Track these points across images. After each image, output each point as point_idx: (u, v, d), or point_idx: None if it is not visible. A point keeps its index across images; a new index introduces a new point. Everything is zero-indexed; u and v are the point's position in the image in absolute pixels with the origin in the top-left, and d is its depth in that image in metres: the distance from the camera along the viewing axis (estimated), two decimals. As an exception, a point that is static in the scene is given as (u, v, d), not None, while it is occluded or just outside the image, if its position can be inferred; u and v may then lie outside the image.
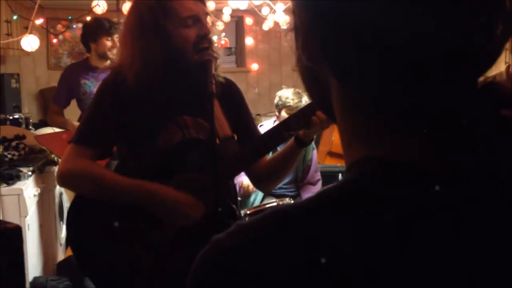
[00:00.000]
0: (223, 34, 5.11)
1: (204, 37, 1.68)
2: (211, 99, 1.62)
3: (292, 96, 3.57)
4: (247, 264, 0.50)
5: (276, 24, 5.37)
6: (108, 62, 3.68)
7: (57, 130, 4.12)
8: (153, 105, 1.69)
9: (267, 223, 0.53)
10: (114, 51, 3.62)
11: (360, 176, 0.53)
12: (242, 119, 1.89)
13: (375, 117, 0.53)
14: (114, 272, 1.74)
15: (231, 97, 1.85)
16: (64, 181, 1.73)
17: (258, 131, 1.93)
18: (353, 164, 0.55)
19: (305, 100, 3.59)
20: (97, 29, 3.62)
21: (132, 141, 1.74)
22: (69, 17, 4.91)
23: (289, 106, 3.54)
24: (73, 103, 3.79)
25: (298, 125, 1.70)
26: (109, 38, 3.59)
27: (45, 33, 4.96)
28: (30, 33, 3.66)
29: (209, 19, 1.74)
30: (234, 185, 1.93)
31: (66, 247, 4.47)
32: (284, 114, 3.63)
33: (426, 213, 0.49)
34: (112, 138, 1.74)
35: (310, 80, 0.60)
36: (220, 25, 4.99)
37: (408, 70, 0.49)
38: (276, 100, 3.68)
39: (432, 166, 0.50)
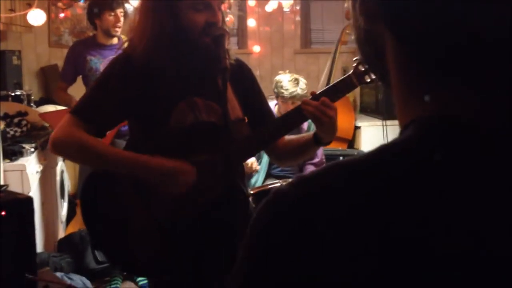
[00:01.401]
0: (228, 10, 5.08)
1: (213, 25, 1.66)
2: (225, 74, 1.61)
3: (287, 84, 3.54)
4: (311, 214, 0.50)
5: (279, 5, 5.34)
6: (115, 39, 3.66)
7: (59, 108, 4.11)
8: (163, 82, 1.68)
9: (331, 175, 0.53)
10: (119, 27, 3.60)
11: (421, 134, 0.52)
12: (255, 100, 1.88)
13: (434, 74, 0.53)
14: (125, 247, 1.75)
15: (242, 77, 1.84)
16: (56, 147, 1.74)
17: (271, 112, 1.94)
18: (411, 122, 0.54)
19: (301, 87, 3.57)
20: (99, 4, 3.61)
21: (142, 119, 1.73)
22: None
23: (283, 96, 3.52)
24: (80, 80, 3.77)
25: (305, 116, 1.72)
26: (112, 13, 3.57)
27: (46, 10, 4.91)
28: (35, 7, 3.63)
29: (223, 10, 1.73)
30: (242, 164, 1.93)
31: (67, 225, 4.48)
32: (281, 103, 3.60)
33: (492, 175, 0.48)
34: (112, 120, 1.74)
35: (365, 40, 0.60)
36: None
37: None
38: (273, 86, 3.66)
39: (494, 125, 0.50)
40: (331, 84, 1.78)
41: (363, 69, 1.72)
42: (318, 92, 1.75)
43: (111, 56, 3.56)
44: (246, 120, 1.81)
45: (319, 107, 1.67)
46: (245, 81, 1.85)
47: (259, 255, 0.52)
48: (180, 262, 1.74)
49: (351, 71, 1.75)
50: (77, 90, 3.71)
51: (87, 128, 1.69)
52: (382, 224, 0.48)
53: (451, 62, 0.51)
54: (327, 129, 1.72)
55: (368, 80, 1.74)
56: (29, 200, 1.83)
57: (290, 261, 0.49)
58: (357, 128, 5.05)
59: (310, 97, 1.73)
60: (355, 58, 1.74)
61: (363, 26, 0.57)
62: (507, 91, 0.50)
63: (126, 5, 3.71)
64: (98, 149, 1.69)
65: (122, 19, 3.60)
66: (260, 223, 0.53)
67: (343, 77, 1.76)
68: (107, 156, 1.69)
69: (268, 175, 3.68)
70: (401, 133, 0.55)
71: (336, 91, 1.74)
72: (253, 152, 1.85)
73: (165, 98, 1.69)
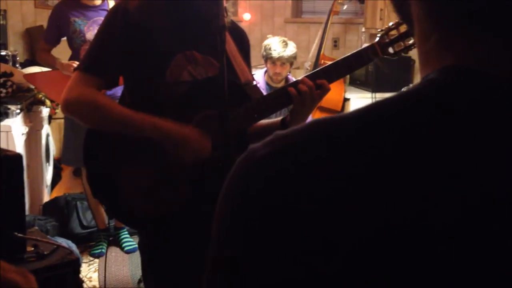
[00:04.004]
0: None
1: None
2: (222, 32, 1.58)
3: (276, 46, 3.52)
4: (282, 173, 0.45)
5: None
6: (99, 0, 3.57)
7: (44, 69, 4.02)
8: (160, 35, 1.64)
9: (309, 131, 0.48)
10: None
11: (427, 84, 0.49)
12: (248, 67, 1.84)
13: (463, 24, 0.49)
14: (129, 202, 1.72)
15: (241, 39, 1.81)
16: (68, 108, 1.69)
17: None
18: (427, 76, 0.51)
19: (290, 49, 3.54)
20: None
21: (138, 73, 1.69)
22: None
23: (272, 57, 3.50)
24: (64, 42, 3.67)
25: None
26: None
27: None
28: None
29: None
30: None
31: (52, 188, 4.44)
32: (269, 66, 3.58)
33: (498, 123, 0.45)
34: (119, 67, 1.69)
35: None
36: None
37: None
38: (262, 51, 3.62)
39: None
40: (355, 52, 1.71)
41: (387, 40, 1.68)
42: (341, 58, 1.70)
43: (95, 17, 3.48)
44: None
45: (312, 90, 1.63)
46: (243, 46, 1.81)
47: (231, 233, 0.48)
48: (178, 215, 1.71)
49: (376, 40, 1.69)
50: (62, 53, 3.63)
51: (97, 82, 1.66)
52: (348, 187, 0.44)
53: (483, 13, 0.47)
54: (303, 115, 1.68)
55: (392, 52, 1.69)
56: (18, 157, 1.78)
57: (266, 242, 0.45)
58: (346, 100, 5.03)
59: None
60: (379, 29, 1.70)
61: None
62: None
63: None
64: (115, 110, 1.65)
65: None
66: (230, 182, 0.49)
67: (367, 46, 1.70)
68: (123, 118, 1.63)
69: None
70: (419, 84, 0.51)
71: (358, 59, 1.69)
72: (267, 114, 1.79)
73: (162, 51, 1.65)
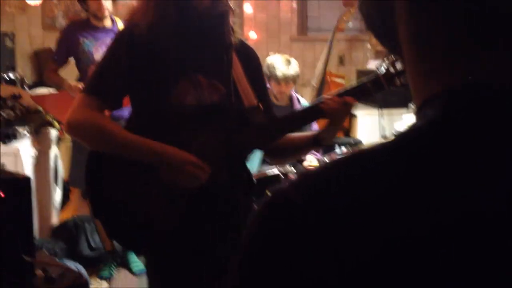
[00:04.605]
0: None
1: (219, 3, 1.61)
2: (229, 50, 1.57)
3: (279, 65, 3.49)
4: (317, 220, 0.44)
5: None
6: (108, 22, 3.60)
7: (52, 91, 4.04)
8: (165, 57, 1.65)
9: (338, 172, 0.47)
10: (104, 10, 3.50)
11: (447, 110, 0.46)
12: (260, 86, 1.82)
13: (458, 40, 0.47)
14: (132, 226, 1.72)
15: (248, 58, 1.79)
16: (71, 130, 1.70)
17: (271, 104, 1.90)
18: (430, 99, 0.49)
19: (294, 68, 3.53)
20: None
21: (144, 94, 1.69)
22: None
23: (276, 77, 3.47)
24: (72, 63, 3.70)
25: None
26: None
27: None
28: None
29: None
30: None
31: (60, 210, 4.43)
32: (273, 85, 3.55)
33: None
34: (123, 90, 1.70)
35: (372, 7, 0.54)
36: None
37: None
38: (264, 69, 3.61)
39: None
40: (358, 83, 1.71)
41: (394, 71, 1.65)
42: (343, 90, 1.70)
43: (104, 38, 3.51)
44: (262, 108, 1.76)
45: (341, 106, 1.63)
46: (251, 65, 1.80)
47: (255, 269, 0.47)
48: (181, 241, 1.70)
49: (382, 71, 1.66)
50: (70, 74, 3.65)
51: (101, 104, 1.67)
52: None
53: (482, 30, 0.46)
54: (335, 130, 1.69)
55: (399, 83, 1.65)
56: (27, 180, 1.78)
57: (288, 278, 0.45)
58: (353, 116, 5.02)
59: (333, 93, 1.69)
60: (386, 58, 1.66)
61: None
62: None
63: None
64: (115, 134, 1.66)
65: (107, 1, 3.50)
66: (256, 229, 0.48)
67: (371, 77, 1.68)
68: (123, 141, 1.64)
69: (263, 162, 3.65)
70: (420, 111, 0.50)
71: (363, 91, 1.68)
72: (264, 143, 1.78)
73: (166, 74, 1.65)
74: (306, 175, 0.49)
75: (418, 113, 0.50)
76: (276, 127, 1.73)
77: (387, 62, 1.64)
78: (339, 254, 0.43)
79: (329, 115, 1.66)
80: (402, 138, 0.48)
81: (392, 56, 1.64)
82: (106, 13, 3.53)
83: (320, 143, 1.75)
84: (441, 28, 0.48)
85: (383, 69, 1.66)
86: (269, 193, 0.49)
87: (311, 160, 3.47)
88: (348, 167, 0.47)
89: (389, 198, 0.44)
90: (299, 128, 1.77)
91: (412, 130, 0.48)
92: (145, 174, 1.68)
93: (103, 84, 1.68)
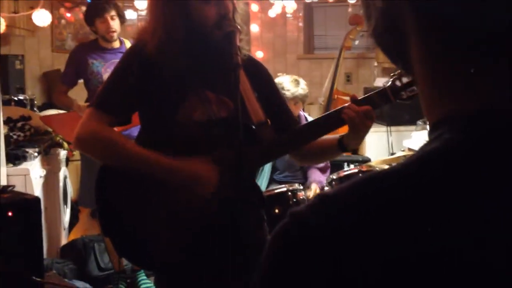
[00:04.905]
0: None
1: (225, 17, 1.64)
2: (236, 71, 1.59)
3: (288, 85, 3.51)
4: (335, 244, 0.45)
5: (283, 11, 5.32)
6: (117, 42, 3.63)
7: (61, 112, 4.07)
8: (173, 75, 1.66)
9: (358, 193, 0.47)
10: (113, 32, 3.55)
11: (466, 134, 0.46)
12: (274, 98, 1.85)
13: (467, 63, 0.47)
14: (141, 243, 1.72)
15: (258, 76, 1.81)
16: (80, 144, 1.72)
17: (291, 112, 1.92)
18: (443, 120, 0.49)
19: (302, 87, 3.54)
20: (89, 12, 3.61)
21: (152, 111, 1.71)
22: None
23: (286, 97, 3.48)
24: (80, 84, 3.73)
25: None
26: (102, 20, 3.53)
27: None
28: (41, 7, 3.60)
29: (237, 7, 1.71)
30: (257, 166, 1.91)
31: (69, 230, 4.43)
32: None
33: None
34: (131, 106, 1.72)
35: (384, 29, 0.53)
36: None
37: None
38: None
39: None
40: (366, 95, 1.72)
41: (399, 84, 1.67)
42: (361, 98, 1.71)
43: (113, 59, 3.54)
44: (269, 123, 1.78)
45: (360, 114, 1.64)
46: (261, 80, 1.82)
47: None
48: (191, 257, 1.70)
49: (388, 84, 1.68)
50: (79, 94, 3.68)
51: (109, 119, 1.68)
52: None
53: (496, 44, 0.46)
54: (358, 137, 1.70)
55: (405, 97, 1.67)
56: (37, 200, 1.79)
57: None
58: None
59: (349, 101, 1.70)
60: (392, 74, 1.68)
61: (380, 5, 0.51)
62: None
63: (129, 11, 3.68)
64: (124, 146, 1.67)
65: (115, 22, 3.55)
66: (274, 251, 0.49)
67: (378, 90, 1.70)
68: (133, 154, 1.66)
69: (271, 180, 3.64)
70: (434, 131, 0.49)
71: (370, 103, 1.69)
72: (281, 154, 1.81)
73: (175, 91, 1.68)
74: (323, 198, 0.49)
75: (432, 133, 0.49)
76: (298, 137, 1.75)
77: (393, 77, 1.66)
78: (358, 277, 0.43)
79: (350, 123, 1.67)
80: (420, 160, 0.47)
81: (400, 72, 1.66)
82: (115, 35, 3.57)
83: (345, 149, 1.76)
84: (452, 50, 0.48)
85: (389, 83, 1.68)
86: (287, 216, 0.49)
87: (316, 189, 3.45)
88: (367, 190, 0.47)
89: (412, 222, 0.44)
90: (321, 136, 1.77)
91: (430, 152, 0.47)
92: (155, 191, 1.69)
93: (111, 99, 1.70)
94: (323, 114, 1.77)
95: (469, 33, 0.46)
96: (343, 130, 1.74)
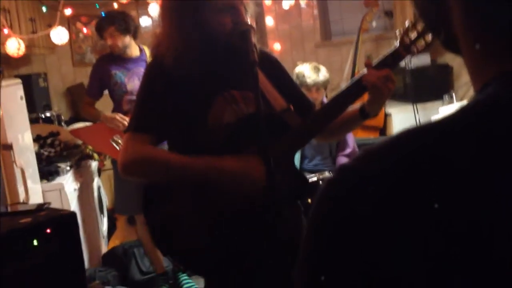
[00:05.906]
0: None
1: (239, 21, 1.66)
2: (254, 68, 1.60)
3: (309, 73, 3.49)
4: (382, 192, 0.45)
5: (296, 1, 5.29)
6: (137, 51, 3.67)
7: (88, 124, 4.14)
8: (195, 83, 1.68)
9: (402, 146, 0.47)
10: (118, 47, 3.57)
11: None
12: (289, 86, 1.88)
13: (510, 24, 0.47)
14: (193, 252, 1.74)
15: (272, 69, 1.84)
16: (128, 170, 1.70)
17: (306, 96, 1.94)
18: (492, 80, 0.49)
19: (323, 74, 3.52)
20: (96, 29, 3.68)
21: (182, 122, 1.72)
22: (96, 5, 4.93)
23: (306, 85, 3.47)
24: (106, 95, 3.78)
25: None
26: (106, 36, 3.57)
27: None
28: (58, 25, 3.66)
29: (248, 9, 1.71)
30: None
31: (109, 239, 4.51)
32: (305, 92, 3.55)
33: None
34: (167, 121, 1.72)
35: (425, 1, 0.54)
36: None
37: None
38: (294, 78, 3.60)
39: None
40: (380, 59, 1.75)
41: (408, 41, 1.70)
42: (376, 63, 1.74)
43: (134, 68, 3.58)
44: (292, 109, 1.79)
45: (382, 79, 1.66)
46: (275, 72, 1.85)
47: (327, 243, 0.48)
48: (239, 261, 1.71)
49: (398, 42, 1.72)
50: (105, 106, 3.73)
51: (149, 139, 1.69)
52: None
53: None
54: (381, 102, 1.72)
55: (415, 50, 1.70)
56: (73, 215, 1.82)
57: (362, 252, 0.45)
58: (387, 115, 4.97)
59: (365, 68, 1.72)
60: (398, 30, 1.74)
61: None
62: None
63: (144, 17, 3.70)
64: (171, 160, 1.68)
65: (115, 38, 3.56)
66: (322, 204, 0.49)
67: (390, 52, 1.74)
68: (183, 166, 1.66)
69: (301, 170, 3.64)
70: (479, 92, 0.50)
71: (385, 65, 1.71)
72: (309, 138, 1.82)
73: (201, 97, 1.69)
74: (369, 150, 0.49)
75: (481, 93, 0.50)
76: (326, 113, 1.76)
77: (401, 33, 1.71)
78: (420, 226, 0.43)
79: (371, 88, 1.68)
80: (470, 112, 0.48)
81: (406, 27, 1.70)
82: (120, 49, 3.58)
83: (368, 116, 1.77)
84: (493, 21, 0.48)
85: (397, 42, 1.72)
86: (335, 172, 0.50)
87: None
88: (420, 140, 0.47)
89: (470, 171, 0.44)
90: (347, 107, 1.78)
91: (476, 104, 0.47)
92: (201, 197, 1.70)
93: (146, 119, 1.71)
94: (343, 88, 1.77)
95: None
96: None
